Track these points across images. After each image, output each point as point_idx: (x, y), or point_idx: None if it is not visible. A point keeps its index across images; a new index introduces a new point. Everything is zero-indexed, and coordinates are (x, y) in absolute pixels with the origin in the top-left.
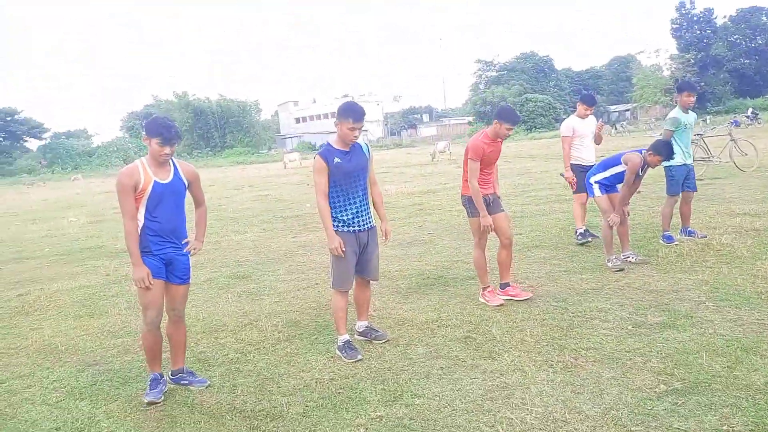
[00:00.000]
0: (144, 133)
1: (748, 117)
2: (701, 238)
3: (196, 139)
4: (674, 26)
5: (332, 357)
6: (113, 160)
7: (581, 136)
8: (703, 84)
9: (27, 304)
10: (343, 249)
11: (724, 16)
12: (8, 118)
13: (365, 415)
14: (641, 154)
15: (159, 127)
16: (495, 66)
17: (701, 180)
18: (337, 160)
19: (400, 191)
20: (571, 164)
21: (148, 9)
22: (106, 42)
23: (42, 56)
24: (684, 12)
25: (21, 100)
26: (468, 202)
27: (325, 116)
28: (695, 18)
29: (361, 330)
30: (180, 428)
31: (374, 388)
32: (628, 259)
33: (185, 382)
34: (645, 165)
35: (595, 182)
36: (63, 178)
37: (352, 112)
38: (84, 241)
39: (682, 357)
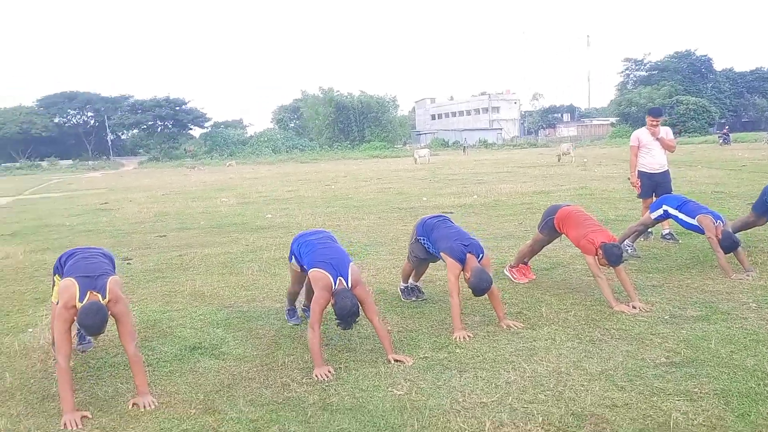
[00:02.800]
0: None
1: None
2: None
3: (337, 132)
4: None
5: (405, 317)
6: (263, 149)
7: (646, 145)
8: None
9: (185, 262)
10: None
11: None
12: (177, 108)
13: (415, 355)
14: (717, 220)
15: None
16: (645, 65)
17: None
18: None
19: (513, 190)
20: (639, 171)
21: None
22: (260, 36)
23: (205, 49)
24: None
25: (188, 91)
26: None
27: (461, 113)
28: None
29: None
30: (281, 350)
31: (428, 339)
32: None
33: None
34: None
35: (664, 210)
36: (219, 164)
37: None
38: (232, 218)
39: (696, 342)
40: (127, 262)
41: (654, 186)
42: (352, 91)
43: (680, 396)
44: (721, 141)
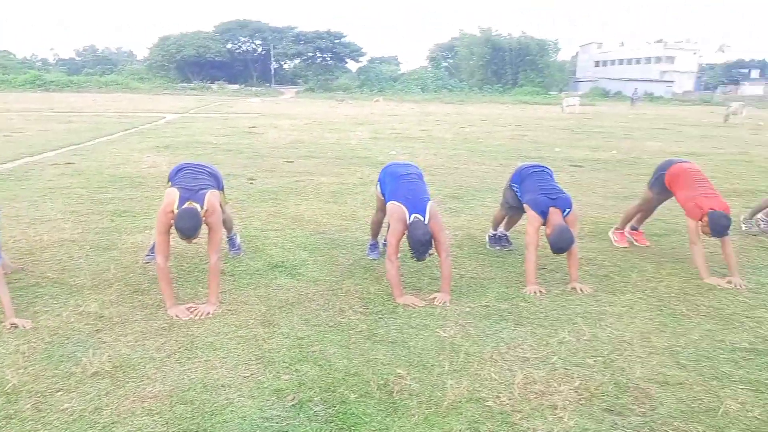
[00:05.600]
0: None
1: None
2: None
3: (489, 74)
4: None
5: (482, 264)
6: (412, 88)
7: None
8: None
9: (299, 187)
10: None
11: None
12: (335, 41)
13: (477, 303)
14: None
15: None
16: None
17: None
18: None
19: (661, 149)
20: None
21: None
22: None
23: None
24: None
25: (348, 26)
26: None
27: (629, 62)
28: None
29: None
30: (353, 278)
31: (497, 289)
32: None
33: None
34: None
35: None
36: (367, 99)
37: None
38: (358, 151)
39: None
40: (251, 181)
41: None
42: (513, 32)
43: (744, 384)
44: None
